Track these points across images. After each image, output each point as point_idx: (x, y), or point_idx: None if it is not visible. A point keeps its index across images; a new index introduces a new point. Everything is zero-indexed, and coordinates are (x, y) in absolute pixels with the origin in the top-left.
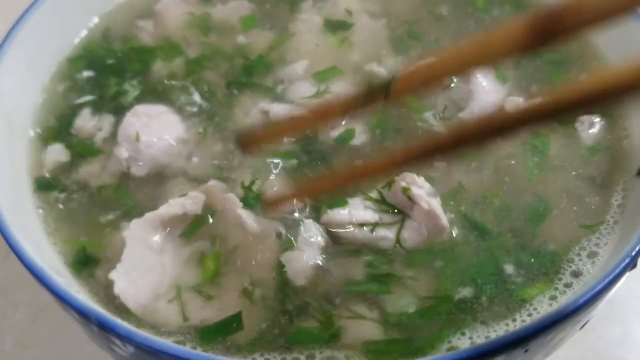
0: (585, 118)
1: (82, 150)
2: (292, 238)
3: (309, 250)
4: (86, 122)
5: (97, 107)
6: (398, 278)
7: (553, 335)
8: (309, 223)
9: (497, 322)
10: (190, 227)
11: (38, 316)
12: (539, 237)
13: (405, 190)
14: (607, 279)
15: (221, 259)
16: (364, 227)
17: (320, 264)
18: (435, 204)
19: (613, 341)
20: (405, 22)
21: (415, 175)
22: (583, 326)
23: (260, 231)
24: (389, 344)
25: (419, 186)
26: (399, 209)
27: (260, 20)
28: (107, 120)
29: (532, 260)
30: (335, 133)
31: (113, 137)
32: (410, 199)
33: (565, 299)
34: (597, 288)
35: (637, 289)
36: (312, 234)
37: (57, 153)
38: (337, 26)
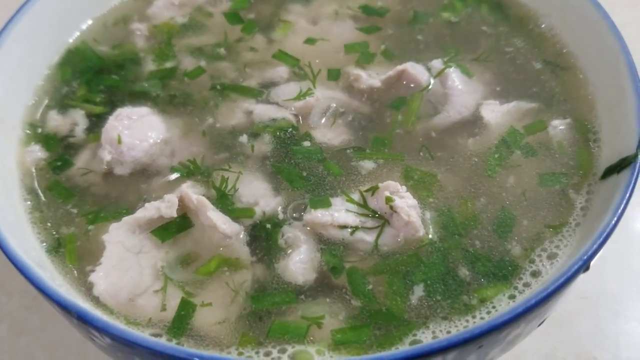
0: (557, 121)
1: (51, 147)
2: (278, 239)
3: (297, 251)
4: (57, 120)
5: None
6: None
7: (506, 332)
8: (295, 225)
9: (458, 318)
10: (167, 231)
11: (31, 305)
12: (503, 238)
13: (389, 200)
14: (560, 281)
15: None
16: (345, 229)
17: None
18: (415, 216)
19: (584, 335)
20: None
21: (399, 185)
22: (541, 323)
23: (230, 232)
24: (354, 331)
25: (401, 196)
26: (380, 214)
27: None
28: (78, 114)
29: (491, 262)
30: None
31: (92, 128)
32: (392, 208)
33: (522, 298)
34: (549, 290)
35: (610, 285)
36: (297, 236)
37: (37, 152)
38: (371, 11)
